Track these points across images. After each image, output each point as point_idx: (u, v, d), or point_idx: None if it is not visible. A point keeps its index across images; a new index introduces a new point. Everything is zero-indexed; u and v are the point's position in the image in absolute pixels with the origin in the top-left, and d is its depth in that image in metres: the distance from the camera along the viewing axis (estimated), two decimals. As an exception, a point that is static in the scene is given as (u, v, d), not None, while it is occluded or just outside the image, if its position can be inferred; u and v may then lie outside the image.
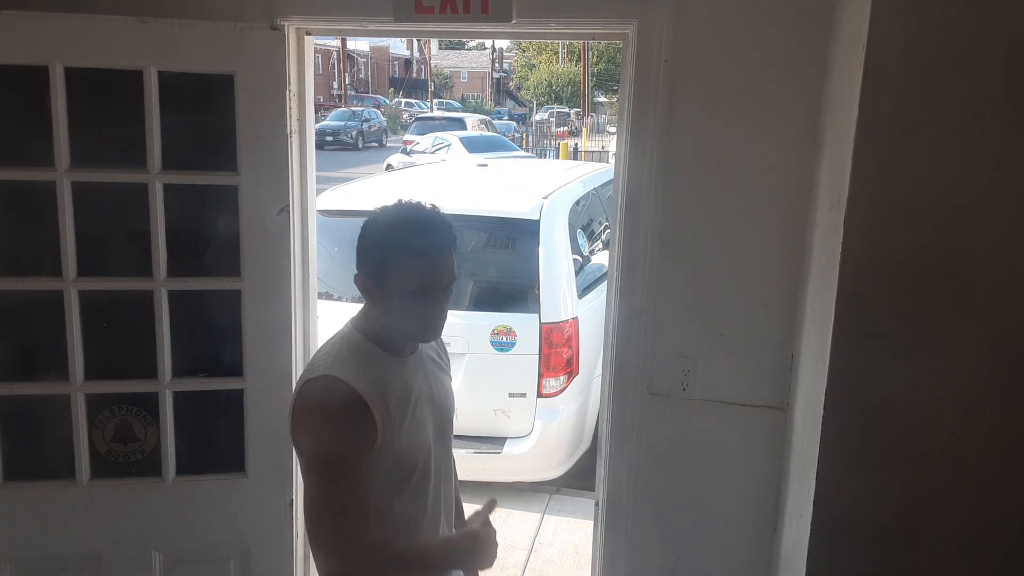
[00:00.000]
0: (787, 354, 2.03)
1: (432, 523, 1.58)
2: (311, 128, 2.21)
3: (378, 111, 29.26)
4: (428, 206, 1.45)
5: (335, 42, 38.80)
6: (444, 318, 1.47)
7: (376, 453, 1.41)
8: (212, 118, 2.05)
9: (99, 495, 2.13)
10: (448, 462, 1.66)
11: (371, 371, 1.44)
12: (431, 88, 47.03)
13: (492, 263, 4.00)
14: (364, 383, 1.41)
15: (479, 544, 1.50)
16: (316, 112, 3.22)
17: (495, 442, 3.67)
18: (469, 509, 1.77)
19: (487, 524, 1.54)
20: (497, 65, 55.64)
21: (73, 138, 1.95)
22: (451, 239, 1.44)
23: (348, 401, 1.38)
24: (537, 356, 3.63)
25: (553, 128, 27.11)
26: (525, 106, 40.54)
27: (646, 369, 2.09)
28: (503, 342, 3.60)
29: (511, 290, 3.78)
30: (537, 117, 29.96)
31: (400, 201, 1.45)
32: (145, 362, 2.07)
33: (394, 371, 1.49)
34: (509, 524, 3.60)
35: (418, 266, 1.39)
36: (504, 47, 55.51)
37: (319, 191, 2.83)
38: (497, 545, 1.54)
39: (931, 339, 1.62)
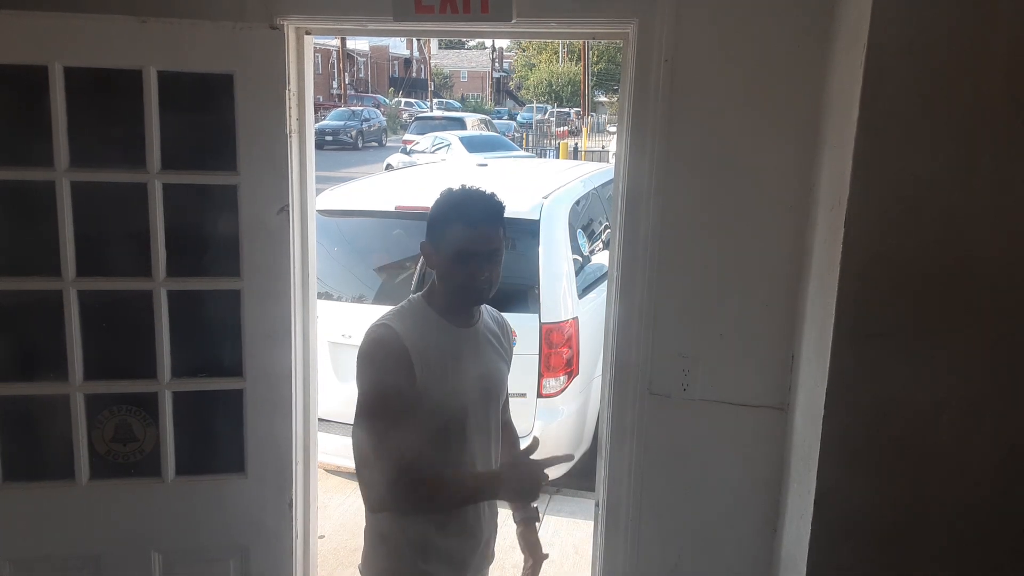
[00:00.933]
0: (787, 354, 2.03)
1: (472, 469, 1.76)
2: (311, 128, 2.20)
3: (378, 111, 29.26)
4: (485, 190, 1.72)
5: (335, 42, 38.79)
6: (487, 284, 1.69)
7: (414, 396, 1.63)
8: (212, 118, 2.04)
9: (98, 495, 2.12)
10: (489, 431, 1.82)
11: (420, 326, 1.70)
12: (431, 88, 47.03)
13: (492, 263, 3.99)
14: (409, 332, 1.66)
15: (517, 472, 1.74)
16: (316, 112, 3.22)
17: (495, 442, 3.67)
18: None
19: (527, 457, 1.77)
20: (497, 65, 55.65)
21: (72, 138, 1.95)
22: (496, 215, 1.69)
23: (391, 343, 1.64)
24: (537, 356, 3.63)
25: (553, 128, 27.11)
26: (525, 106, 40.53)
27: (646, 369, 2.09)
28: (503, 342, 3.59)
29: (511, 290, 3.77)
30: (521, 119, 29.33)
31: (463, 185, 1.73)
32: (144, 362, 2.07)
33: (443, 333, 1.72)
34: (509, 524, 3.59)
35: (462, 231, 1.65)
36: (504, 47, 55.56)
37: (319, 191, 2.83)
38: (540, 480, 1.72)
39: (931, 339, 1.62)
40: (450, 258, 1.67)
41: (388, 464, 1.60)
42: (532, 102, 38.38)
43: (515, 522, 1.96)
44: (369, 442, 1.63)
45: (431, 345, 1.68)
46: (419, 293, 1.79)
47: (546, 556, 1.97)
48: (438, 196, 1.73)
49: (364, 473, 1.65)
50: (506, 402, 2.00)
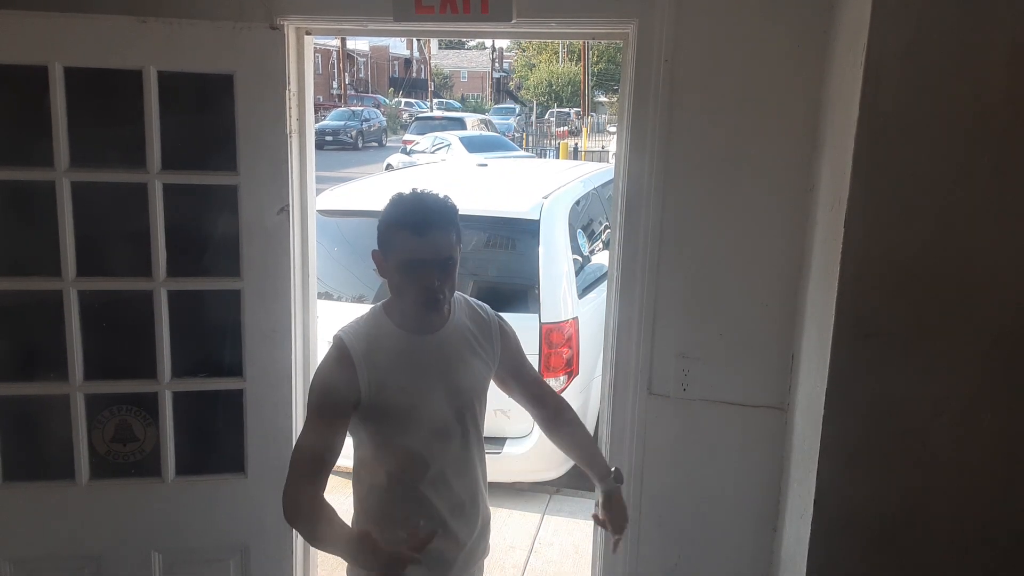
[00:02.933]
0: (787, 354, 2.03)
1: (441, 481, 1.69)
2: (311, 128, 2.20)
3: (378, 111, 29.24)
4: (434, 194, 1.61)
5: (335, 42, 38.79)
6: (439, 293, 1.59)
7: (366, 411, 1.61)
8: (212, 118, 2.05)
9: (99, 495, 2.13)
10: (460, 435, 1.72)
11: (374, 338, 1.64)
12: (431, 88, 47.03)
13: (492, 263, 3.99)
14: (360, 345, 1.62)
15: (353, 545, 1.55)
16: (316, 112, 3.22)
17: (495, 442, 3.67)
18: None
19: (366, 537, 1.54)
20: (497, 65, 55.64)
21: (72, 138, 1.95)
22: (445, 221, 1.58)
23: (338, 355, 1.62)
24: (537, 356, 3.62)
25: (553, 128, 27.08)
26: (525, 105, 40.55)
27: (646, 369, 2.09)
28: (503, 342, 3.59)
29: (511, 290, 3.77)
30: (509, 121, 27.87)
31: (413, 189, 1.63)
32: (145, 362, 2.07)
33: (399, 344, 1.65)
34: (509, 524, 3.60)
35: (412, 240, 1.55)
36: (504, 47, 55.55)
37: (319, 191, 2.83)
38: (382, 559, 1.51)
39: (931, 339, 1.62)
40: (399, 268, 1.58)
41: (297, 471, 1.59)
42: (532, 101, 38.40)
43: (599, 491, 1.83)
44: (295, 451, 1.62)
45: (386, 358, 1.62)
46: (381, 301, 1.73)
47: (622, 531, 1.82)
48: (388, 201, 1.63)
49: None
50: (544, 388, 1.92)
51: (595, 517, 1.86)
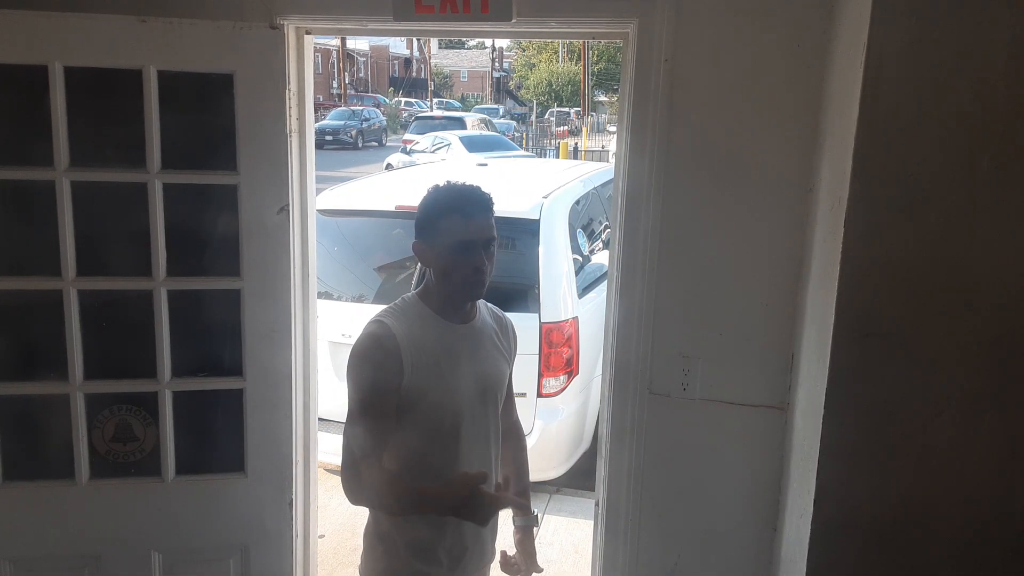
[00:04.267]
0: (787, 354, 2.03)
1: (467, 467, 1.70)
2: (311, 127, 2.20)
3: (378, 110, 29.25)
4: (469, 183, 1.73)
5: (335, 42, 38.78)
6: (485, 275, 1.70)
7: (404, 392, 1.65)
8: (212, 117, 2.04)
9: (99, 495, 2.13)
10: (486, 430, 1.80)
11: (413, 323, 1.71)
12: (431, 87, 47.02)
13: (492, 262, 3.99)
14: (403, 329, 1.68)
15: (450, 492, 1.56)
16: (316, 111, 3.22)
17: (495, 442, 3.67)
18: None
19: (468, 480, 1.57)
20: (497, 64, 55.62)
21: (72, 137, 1.95)
22: (488, 205, 1.71)
23: (383, 338, 1.66)
24: (537, 356, 3.63)
25: (553, 127, 27.07)
26: (525, 105, 40.55)
27: (646, 369, 2.09)
28: (503, 342, 3.59)
29: (511, 289, 3.77)
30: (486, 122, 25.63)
31: (447, 180, 1.74)
32: (144, 362, 2.07)
33: (437, 330, 1.72)
34: (509, 524, 3.59)
35: (460, 223, 1.66)
36: (504, 46, 55.52)
37: (319, 191, 2.83)
38: (484, 504, 1.56)
39: (931, 339, 1.62)
40: (450, 252, 1.67)
41: (344, 455, 1.65)
42: (533, 101, 38.40)
43: (514, 527, 1.95)
44: (348, 434, 1.66)
45: (425, 342, 1.69)
46: (414, 291, 1.80)
47: (540, 571, 1.96)
48: (426, 194, 1.73)
49: (343, 458, 1.68)
50: (512, 401, 1.99)
51: (504, 555, 1.93)
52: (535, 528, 1.97)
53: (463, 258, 1.67)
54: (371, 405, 1.64)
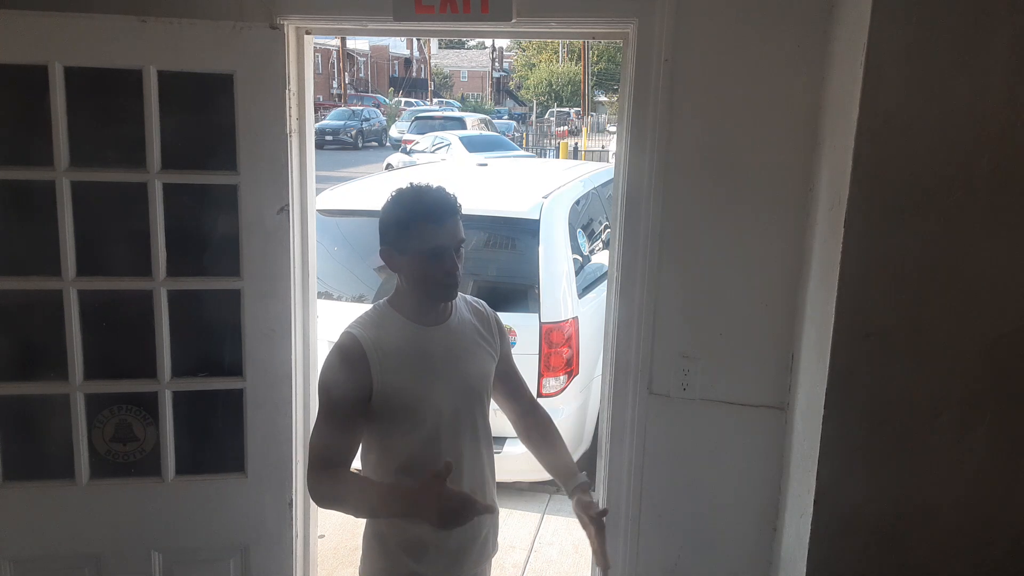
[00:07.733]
0: (787, 354, 2.03)
1: (453, 471, 1.68)
2: (311, 127, 2.20)
3: (378, 110, 29.24)
4: (433, 185, 1.69)
5: (335, 42, 38.79)
6: (457, 278, 1.68)
7: (377, 399, 1.64)
8: (212, 117, 2.04)
9: (99, 495, 2.13)
10: (473, 429, 1.76)
11: (383, 330, 1.69)
12: (431, 87, 47.02)
13: (492, 262, 3.99)
14: (370, 337, 1.66)
15: (413, 496, 1.55)
16: (316, 111, 3.22)
17: (495, 442, 3.63)
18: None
19: (435, 481, 1.52)
20: (497, 64, 55.63)
21: (72, 137, 1.95)
22: (454, 208, 1.67)
23: (348, 349, 1.64)
24: (537, 356, 3.62)
25: (553, 127, 27.08)
26: (525, 105, 40.56)
27: (646, 369, 2.09)
28: (503, 342, 3.60)
29: (511, 289, 3.77)
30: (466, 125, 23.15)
31: (410, 183, 1.70)
32: (145, 362, 2.07)
33: (409, 335, 1.70)
34: (509, 524, 3.59)
35: (430, 229, 1.63)
36: (504, 46, 55.53)
37: (319, 191, 2.83)
38: (444, 506, 1.51)
39: (931, 339, 1.63)
40: (421, 258, 1.64)
41: (309, 458, 1.66)
42: (533, 101, 38.41)
43: (569, 496, 1.86)
44: (312, 440, 1.68)
45: (397, 348, 1.67)
46: (384, 299, 1.77)
47: (604, 511, 1.83)
48: (391, 198, 1.69)
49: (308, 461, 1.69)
50: (521, 385, 1.96)
51: (588, 518, 1.81)
52: (592, 489, 1.86)
53: (435, 264, 1.64)
54: (331, 415, 1.65)
